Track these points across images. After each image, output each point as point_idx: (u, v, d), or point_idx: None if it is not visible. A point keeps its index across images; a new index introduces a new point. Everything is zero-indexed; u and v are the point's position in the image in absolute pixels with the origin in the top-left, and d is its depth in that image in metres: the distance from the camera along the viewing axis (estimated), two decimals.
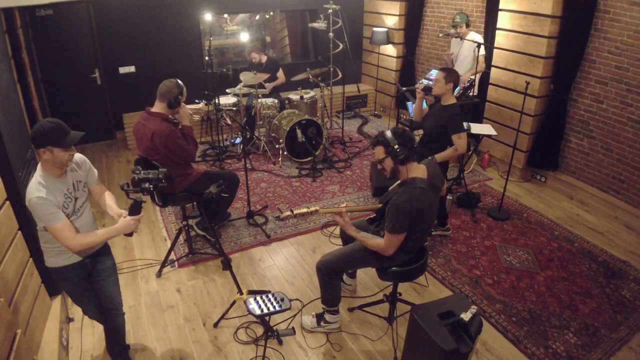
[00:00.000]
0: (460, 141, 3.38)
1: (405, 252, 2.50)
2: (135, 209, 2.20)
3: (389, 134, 2.34)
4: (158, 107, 3.06)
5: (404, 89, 4.34)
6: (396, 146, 2.30)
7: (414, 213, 2.28)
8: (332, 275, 2.68)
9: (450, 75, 3.43)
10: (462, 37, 4.82)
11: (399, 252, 2.46)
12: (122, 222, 2.21)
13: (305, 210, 2.54)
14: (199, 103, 4.55)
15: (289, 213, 2.52)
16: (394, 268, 2.55)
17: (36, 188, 1.99)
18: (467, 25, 4.80)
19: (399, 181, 2.48)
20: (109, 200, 2.39)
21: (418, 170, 2.39)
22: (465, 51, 4.89)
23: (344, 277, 3.22)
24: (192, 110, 3.44)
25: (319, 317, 2.85)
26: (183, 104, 3.28)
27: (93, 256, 2.33)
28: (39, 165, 2.07)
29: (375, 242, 2.45)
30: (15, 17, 4.09)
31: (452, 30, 4.82)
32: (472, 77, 4.73)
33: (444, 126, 3.43)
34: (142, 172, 2.23)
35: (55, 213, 2.00)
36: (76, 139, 2.07)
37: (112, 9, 5.45)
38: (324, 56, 5.63)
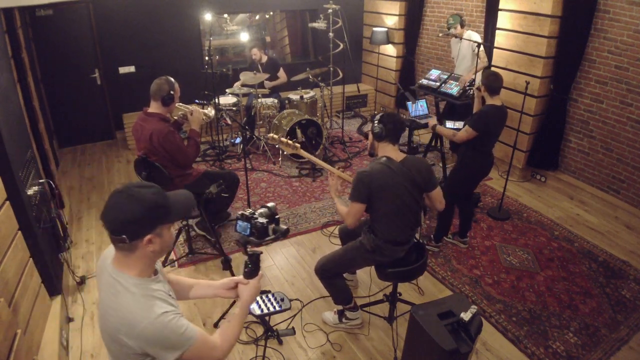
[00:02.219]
0: (462, 133, 3.30)
1: (391, 243, 2.49)
2: (257, 266, 1.63)
3: (378, 115, 2.53)
4: (154, 107, 3.06)
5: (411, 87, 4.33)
6: (376, 122, 2.47)
7: (372, 186, 2.34)
8: (331, 277, 2.70)
9: (483, 77, 3.34)
10: (460, 37, 4.84)
11: (385, 245, 2.47)
12: (250, 290, 1.58)
13: (290, 142, 2.81)
14: (206, 106, 4.46)
15: (275, 136, 2.81)
16: (397, 268, 2.55)
17: (147, 305, 1.27)
18: (462, 25, 4.83)
19: None
20: (183, 279, 1.67)
21: (393, 153, 2.45)
22: (464, 50, 4.91)
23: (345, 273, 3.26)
24: (205, 117, 3.44)
25: (341, 314, 2.88)
26: (197, 108, 3.28)
27: None
28: (117, 272, 1.31)
29: (343, 208, 2.53)
30: (15, 17, 4.09)
31: (452, 30, 4.84)
32: (473, 76, 4.73)
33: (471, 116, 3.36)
34: (256, 214, 1.70)
35: (188, 325, 1.32)
36: (190, 204, 1.41)
37: (112, 9, 5.45)
38: (324, 56, 5.63)
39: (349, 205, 2.45)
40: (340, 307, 2.88)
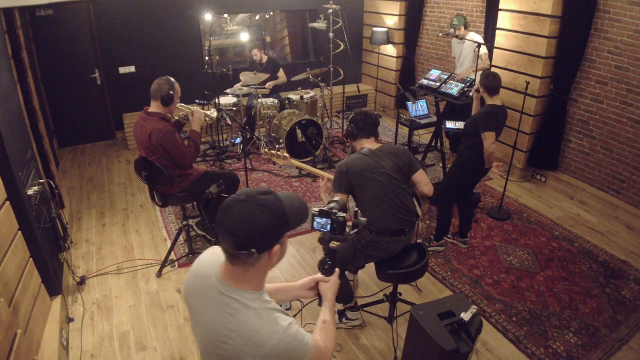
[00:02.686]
0: (484, 141, 3.25)
1: (385, 234, 2.49)
2: (335, 262, 1.55)
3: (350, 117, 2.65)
4: (154, 107, 3.06)
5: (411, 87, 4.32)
6: (348, 124, 2.63)
7: (349, 175, 2.44)
8: None
9: (482, 78, 3.34)
10: (461, 38, 4.82)
11: (378, 237, 2.49)
12: (332, 287, 1.52)
13: (279, 153, 2.97)
14: (207, 107, 4.42)
15: (266, 150, 2.99)
16: (397, 270, 2.55)
17: (271, 319, 1.18)
18: (466, 27, 4.78)
19: None
20: (273, 285, 1.55)
21: (369, 144, 2.57)
22: (466, 52, 4.89)
23: (345, 272, 3.25)
24: (207, 118, 3.44)
25: (341, 314, 2.89)
26: (198, 109, 3.28)
27: None
28: (232, 289, 1.19)
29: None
30: (15, 17, 4.08)
31: (452, 31, 4.83)
32: (472, 76, 4.72)
33: (476, 120, 3.32)
34: (332, 206, 1.57)
35: (306, 333, 1.26)
36: (305, 209, 1.31)
37: (112, 9, 5.45)
38: (324, 56, 5.63)
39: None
40: (340, 307, 2.88)
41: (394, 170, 2.46)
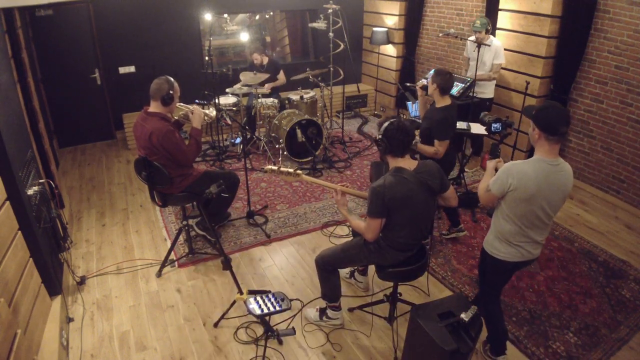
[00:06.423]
0: (439, 148, 3.29)
1: (397, 249, 2.47)
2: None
3: (385, 123, 2.37)
4: (154, 107, 3.06)
5: (408, 85, 4.26)
6: (379, 136, 2.36)
7: (387, 199, 2.25)
8: (328, 270, 2.71)
9: (436, 75, 3.26)
10: (479, 44, 4.59)
11: (390, 250, 2.46)
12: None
13: (291, 170, 2.74)
14: (206, 106, 4.37)
15: (274, 167, 2.73)
16: (397, 268, 2.55)
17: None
18: (487, 31, 4.51)
19: None
20: None
21: (405, 163, 2.36)
22: (487, 57, 4.67)
23: (356, 274, 3.27)
24: (207, 117, 3.44)
25: (322, 312, 2.88)
26: (197, 107, 3.29)
27: None
28: (555, 159, 2.11)
29: (359, 223, 2.47)
30: (15, 17, 4.08)
31: (452, 30, 4.78)
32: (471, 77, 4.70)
33: (430, 129, 3.34)
34: (486, 114, 2.94)
35: None
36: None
37: (112, 9, 5.45)
38: (324, 56, 5.64)
39: (367, 221, 2.37)
40: (323, 305, 2.88)
41: (430, 193, 2.37)
